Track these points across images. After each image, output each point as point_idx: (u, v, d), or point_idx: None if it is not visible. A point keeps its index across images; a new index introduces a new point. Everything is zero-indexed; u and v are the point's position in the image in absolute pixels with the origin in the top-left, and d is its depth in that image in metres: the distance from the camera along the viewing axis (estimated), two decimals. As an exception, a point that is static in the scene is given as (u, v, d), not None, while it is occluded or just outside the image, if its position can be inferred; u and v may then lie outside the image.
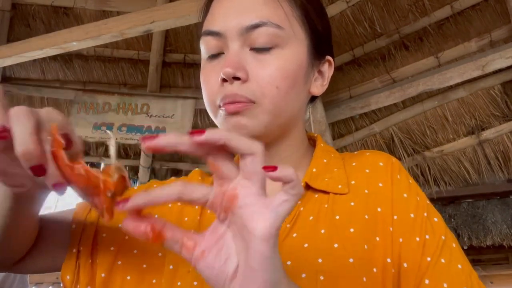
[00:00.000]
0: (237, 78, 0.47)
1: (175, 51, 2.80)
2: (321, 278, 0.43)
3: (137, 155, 2.98)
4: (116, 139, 2.50)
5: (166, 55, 2.78)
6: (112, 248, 0.52)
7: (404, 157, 2.62)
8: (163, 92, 2.75)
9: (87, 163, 3.03)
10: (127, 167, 3.06)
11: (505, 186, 3.27)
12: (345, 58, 2.58)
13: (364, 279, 0.43)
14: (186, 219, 0.54)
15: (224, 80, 0.48)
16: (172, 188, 0.33)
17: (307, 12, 0.53)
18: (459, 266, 0.46)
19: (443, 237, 0.47)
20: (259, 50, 0.49)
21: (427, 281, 0.44)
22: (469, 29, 2.32)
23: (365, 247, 0.46)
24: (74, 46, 1.92)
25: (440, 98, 2.46)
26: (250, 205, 0.31)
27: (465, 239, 3.61)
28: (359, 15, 2.49)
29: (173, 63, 2.82)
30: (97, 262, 0.51)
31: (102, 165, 3.06)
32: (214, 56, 0.51)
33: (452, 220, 3.78)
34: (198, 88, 2.78)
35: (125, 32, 1.82)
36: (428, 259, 0.45)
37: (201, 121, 2.85)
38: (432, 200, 0.53)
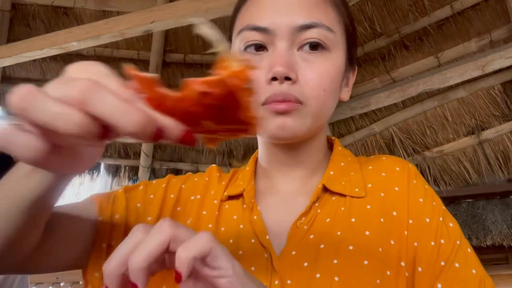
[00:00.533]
0: (288, 78, 0.47)
1: (175, 51, 2.80)
2: (336, 279, 0.44)
3: (137, 155, 2.98)
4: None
5: (166, 55, 2.78)
6: None
7: (404, 157, 2.62)
8: (163, 92, 2.75)
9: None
10: (127, 167, 3.06)
11: (505, 186, 3.27)
12: (345, 58, 2.58)
13: (378, 281, 0.44)
14: (204, 212, 0.54)
15: (273, 79, 0.47)
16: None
17: (346, 20, 0.54)
18: (473, 271, 0.45)
19: (458, 242, 0.47)
20: (307, 51, 0.48)
21: (439, 286, 0.44)
22: (469, 29, 2.32)
23: (380, 249, 0.46)
24: (74, 46, 1.92)
25: (440, 98, 2.46)
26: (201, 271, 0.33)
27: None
28: (359, 15, 2.49)
29: (173, 63, 2.82)
30: None
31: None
32: (257, 50, 0.50)
33: (452, 220, 3.78)
34: (198, 88, 2.81)
35: (125, 32, 1.82)
36: (442, 263, 0.45)
37: (201, 121, 2.85)
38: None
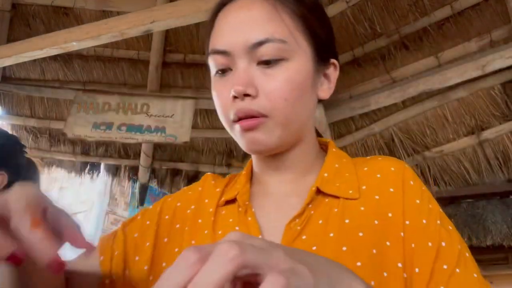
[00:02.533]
0: (248, 95, 0.49)
1: (175, 51, 2.80)
2: None
3: (137, 155, 2.98)
4: (116, 138, 2.50)
5: (166, 55, 2.78)
6: (145, 267, 0.54)
7: (404, 157, 2.62)
8: (163, 92, 2.75)
9: (86, 163, 3.04)
10: (127, 167, 3.06)
11: (505, 186, 3.27)
12: (345, 58, 2.58)
13: (373, 283, 0.44)
14: (200, 221, 0.56)
15: (235, 97, 0.50)
16: None
17: (308, 22, 0.54)
18: (475, 275, 0.46)
19: (459, 246, 0.48)
20: (265, 64, 0.51)
21: None
22: (469, 29, 2.32)
23: (374, 251, 0.46)
24: (74, 46, 1.92)
25: (440, 98, 2.46)
26: None
27: (465, 239, 3.61)
28: (359, 15, 2.49)
29: (173, 63, 2.82)
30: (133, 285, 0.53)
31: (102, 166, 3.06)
32: (223, 73, 0.53)
33: (452, 220, 3.77)
34: (198, 88, 2.79)
35: (125, 32, 1.82)
36: (445, 267, 0.45)
37: (201, 121, 2.85)
38: (432, 200, 0.53)
